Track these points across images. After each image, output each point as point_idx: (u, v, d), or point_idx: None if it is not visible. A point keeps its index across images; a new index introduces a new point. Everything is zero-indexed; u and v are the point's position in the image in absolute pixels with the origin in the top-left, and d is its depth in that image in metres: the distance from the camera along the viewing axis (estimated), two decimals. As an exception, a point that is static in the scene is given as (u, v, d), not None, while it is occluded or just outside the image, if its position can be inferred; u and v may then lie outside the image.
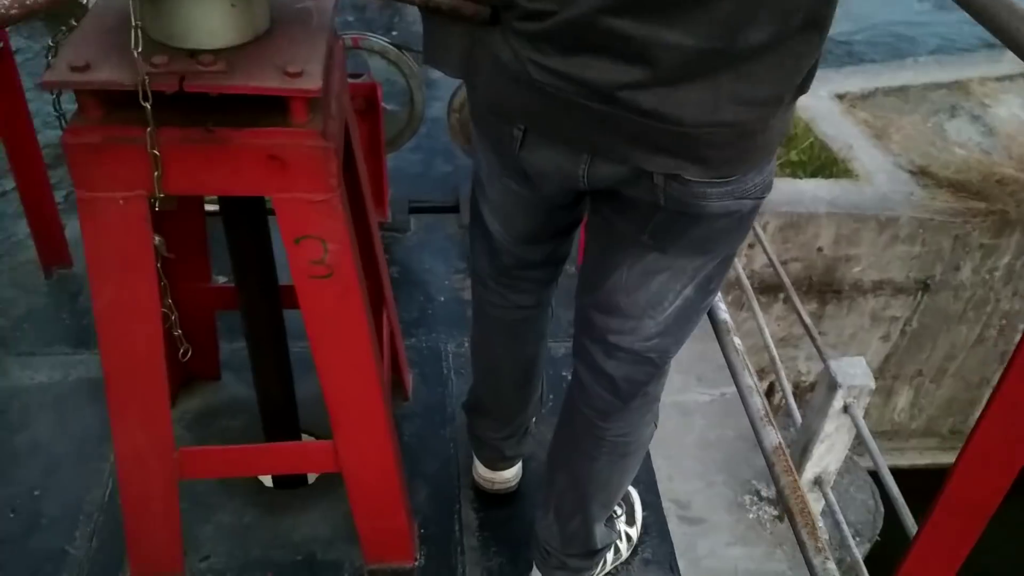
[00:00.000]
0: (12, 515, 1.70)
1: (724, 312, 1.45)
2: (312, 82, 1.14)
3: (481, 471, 1.78)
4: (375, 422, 1.46)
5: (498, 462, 1.76)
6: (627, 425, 1.35)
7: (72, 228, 2.26)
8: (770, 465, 1.21)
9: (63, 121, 1.22)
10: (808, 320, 2.15)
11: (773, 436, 1.22)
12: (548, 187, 1.20)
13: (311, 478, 1.83)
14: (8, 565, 1.62)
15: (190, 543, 1.61)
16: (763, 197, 1.09)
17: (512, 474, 1.79)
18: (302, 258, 1.28)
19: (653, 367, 1.29)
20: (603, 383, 1.31)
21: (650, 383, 1.32)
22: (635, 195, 1.09)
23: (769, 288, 4.18)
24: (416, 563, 1.64)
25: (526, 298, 1.49)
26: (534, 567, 1.57)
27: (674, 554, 1.68)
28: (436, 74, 2.64)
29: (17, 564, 1.62)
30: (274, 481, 1.80)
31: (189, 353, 1.45)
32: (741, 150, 1.01)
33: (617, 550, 1.63)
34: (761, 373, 3.68)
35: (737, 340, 1.40)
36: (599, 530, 1.49)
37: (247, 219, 1.41)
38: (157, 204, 1.24)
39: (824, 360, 2.01)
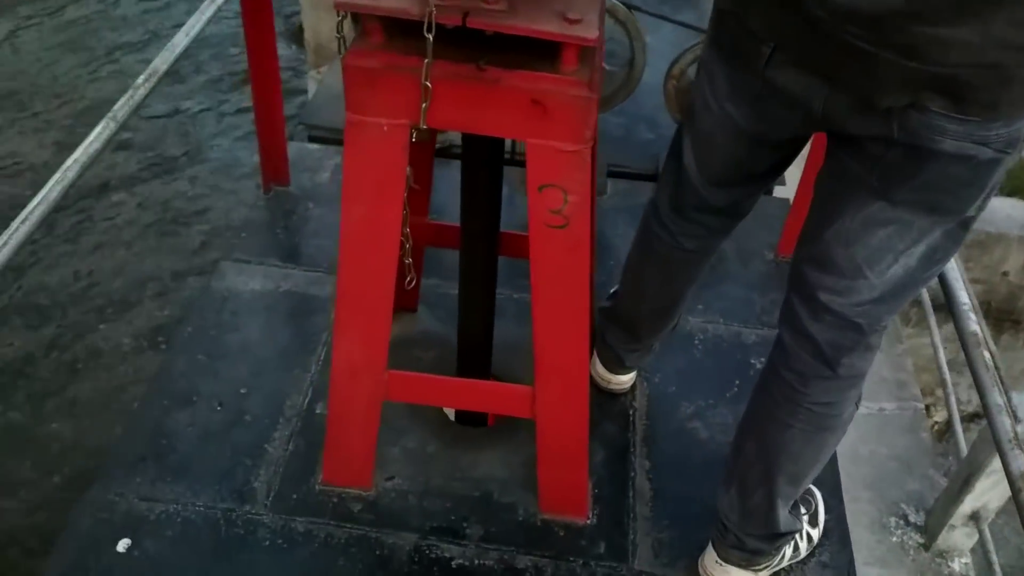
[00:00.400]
0: (219, 408, 1.83)
1: (974, 323, 1.37)
2: (590, 31, 1.14)
3: (600, 370, 1.85)
4: (578, 376, 1.48)
5: (617, 367, 1.83)
6: (827, 395, 1.32)
7: (292, 149, 2.38)
8: (1016, 491, 1.14)
9: (343, 44, 1.28)
10: (993, 347, 2.00)
11: (1023, 461, 1.15)
12: (777, 112, 1.20)
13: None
14: (212, 453, 1.75)
15: (377, 461, 1.68)
16: (1006, 153, 1.05)
17: (628, 378, 1.88)
18: (542, 206, 1.30)
19: (859, 334, 1.26)
20: (806, 347, 1.29)
21: (855, 351, 1.28)
22: (868, 130, 1.08)
23: (940, 307, 3.95)
24: (588, 521, 1.66)
25: (693, 243, 1.52)
26: (709, 545, 1.56)
27: (853, 563, 1.63)
28: (650, 39, 2.60)
29: (220, 454, 1.75)
30: (457, 416, 1.86)
31: (414, 282, 1.51)
32: (995, 95, 0.99)
33: (796, 547, 1.59)
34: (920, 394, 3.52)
35: (987, 354, 1.32)
36: (782, 513, 1.45)
37: (488, 161, 1.44)
38: (414, 135, 1.28)
39: (1006, 392, 1.88)
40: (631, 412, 1.87)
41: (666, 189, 1.50)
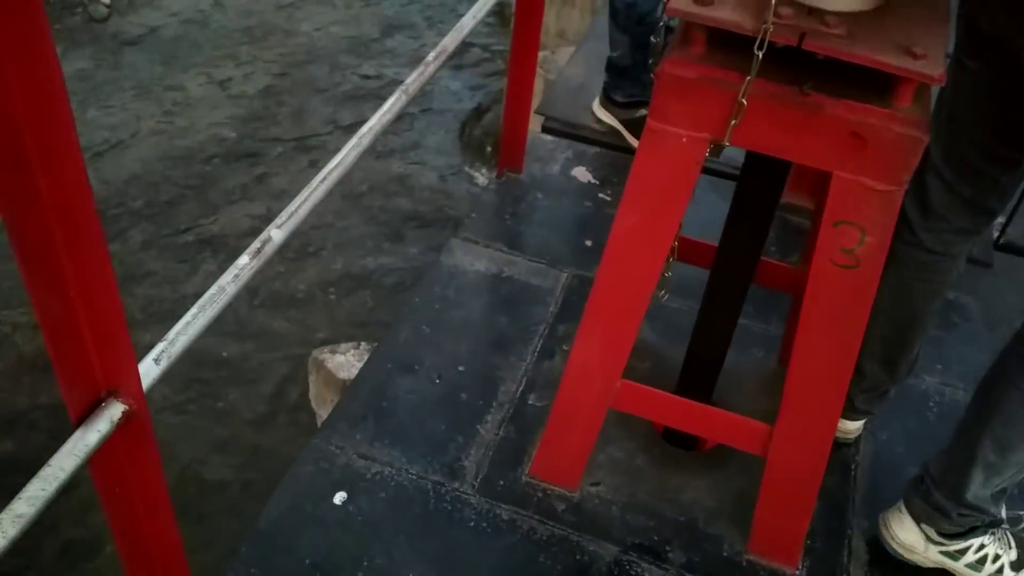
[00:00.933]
0: (437, 381, 1.88)
1: None
2: (935, 68, 1.07)
3: None
4: (827, 425, 1.40)
5: (847, 410, 1.68)
6: None
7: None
8: None
9: (658, 51, 1.25)
10: None
11: None
12: (989, 55, 1.23)
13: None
14: (428, 425, 1.79)
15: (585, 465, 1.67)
16: None
17: (855, 428, 1.76)
18: (833, 242, 1.23)
19: None
20: None
21: None
22: None
23: None
24: (796, 572, 1.58)
25: (936, 241, 1.45)
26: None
27: None
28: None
29: (435, 426, 1.79)
30: (665, 434, 1.82)
31: (666, 297, 1.47)
32: None
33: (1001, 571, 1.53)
34: None
35: None
36: (976, 478, 1.42)
37: (768, 186, 1.38)
38: (710, 151, 1.25)
39: None
40: (853, 466, 1.76)
41: (910, 187, 1.46)
